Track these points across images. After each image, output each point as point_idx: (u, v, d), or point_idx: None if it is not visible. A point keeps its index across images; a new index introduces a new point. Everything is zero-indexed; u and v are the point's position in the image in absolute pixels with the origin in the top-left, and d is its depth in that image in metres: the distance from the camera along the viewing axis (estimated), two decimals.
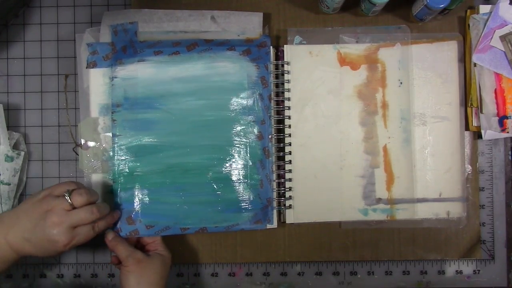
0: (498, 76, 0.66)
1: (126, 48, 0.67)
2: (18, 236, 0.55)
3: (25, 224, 0.56)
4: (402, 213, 0.68)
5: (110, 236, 0.63)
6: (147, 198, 0.66)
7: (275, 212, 0.67)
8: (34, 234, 0.55)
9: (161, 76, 0.66)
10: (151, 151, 0.66)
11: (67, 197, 0.56)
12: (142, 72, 0.66)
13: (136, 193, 0.66)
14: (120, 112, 0.66)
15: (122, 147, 0.66)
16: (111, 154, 0.66)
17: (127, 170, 0.66)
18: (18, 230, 0.55)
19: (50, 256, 0.59)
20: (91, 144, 0.67)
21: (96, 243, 0.70)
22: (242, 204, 0.66)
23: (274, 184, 0.67)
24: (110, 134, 0.66)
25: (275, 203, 0.67)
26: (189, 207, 0.66)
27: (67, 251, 0.58)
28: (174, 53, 0.67)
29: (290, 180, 0.68)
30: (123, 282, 0.60)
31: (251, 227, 0.67)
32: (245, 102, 0.66)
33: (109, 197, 0.66)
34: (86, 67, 0.67)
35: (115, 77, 0.66)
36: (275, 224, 0.67)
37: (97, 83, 0.67)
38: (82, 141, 0.67)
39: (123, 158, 0.66)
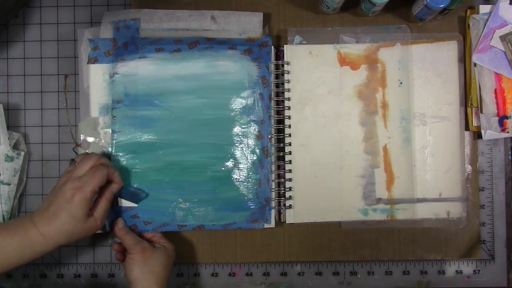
0: (498, 76, 0.66)
1: (128, 45, 0.67)
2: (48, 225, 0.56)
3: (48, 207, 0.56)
4: (402, 213, 0.68)
5: (120, 225, 0.64)
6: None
7: (273, 212, 0.67)
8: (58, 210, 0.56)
9: (162, 73, 0.67)
10: (150, 148, 0.66)
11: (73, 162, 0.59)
12: (143, 69, 0.66)
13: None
14: (120, 109, 0.66)
15: (121, 143, 0.66)
16: (110, 150, 0.66)
17: (126, 166, 0.66)
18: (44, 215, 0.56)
19: (82, 237, 0.59)
20: (91, 143, 0.67)
21: (96, 243, 0.70)
22: (240, 203, 0.66)
23: (274, 184, 0.67)
24: (110, 131, 0.66)
25: (274, 203, 0.67)
26: (187, 205, 0.66)
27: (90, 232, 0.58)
28: (176, 50, 0.67)
29: (290, 180, 0.68)
30: (127, 270, 0.61)
31: (248, 226, 0.67)
32: (245, 101, 0.67)
33: None
34: (88, 63, 0.67)
35: (116, 73, 0.66)
36: (272, 224, 0.67)
37: (97, 80, 0.67)
38: (82, 141, 0.67)
39: (122, 154, 0.66)
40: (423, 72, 0.68)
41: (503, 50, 0.65)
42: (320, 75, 0.68)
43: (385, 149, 0.68)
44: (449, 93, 0.69)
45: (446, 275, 0.70)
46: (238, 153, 0.67)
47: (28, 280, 0.70)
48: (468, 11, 0.69)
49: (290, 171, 0.68)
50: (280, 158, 0.68)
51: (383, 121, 0.68)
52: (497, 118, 0.66)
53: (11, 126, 0.70)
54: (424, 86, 0.68)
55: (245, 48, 0.67)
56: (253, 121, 0.66)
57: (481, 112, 0.66)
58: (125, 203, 0.66)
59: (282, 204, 0.67)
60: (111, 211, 0.66)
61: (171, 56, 0.67)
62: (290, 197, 0.68)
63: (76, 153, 0.68)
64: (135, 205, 0.66)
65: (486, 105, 0.66)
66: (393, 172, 0.68)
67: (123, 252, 0.64)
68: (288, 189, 0.68)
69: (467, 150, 0.69)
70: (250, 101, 0.67)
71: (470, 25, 0.68)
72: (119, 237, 0.64)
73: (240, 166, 0.67)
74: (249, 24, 0.68)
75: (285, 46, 0.68)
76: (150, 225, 0.66)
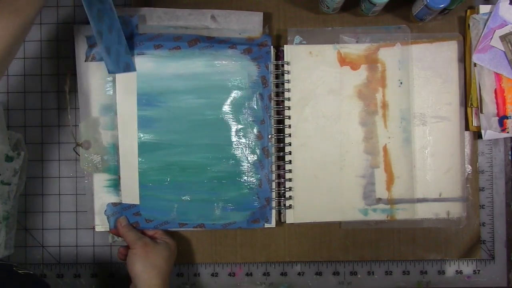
0: (498, 76, 0.66)
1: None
2: None
3: None
4: (402, 213, 0.68)
5: (123, 223, 0.66)
6: (146, 194, 0.66)
7: (273, 212, 0.67)
8: None
9: (161, 71, 0.66)
10: (150, 148, 0.66)
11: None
12: (141, 66, 0.66)
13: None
14: None
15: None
16: (111, 150, 0.66)
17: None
18: None
19: None
20: (92, 143, 0.67)
21: (96, 243, 0.70)
22: (240, 203, 0.66)
23: (274, 184, 0.67)
24: (111, 132, 0.66)
25: (274, 203, 0.67)
26: (187, 204, 0.67)
27: None
28: (175, 48, 0.66)
29: (290, 180, 0.68)
30: (130, 265, 0.62)
31: (248, 226, 0.67)
32: (245, 101, 0.66)
33: (110, 192, 0.67)
34: (85, 61, 0.67)
35: None
36: (273, 224, 0.67)
37: (97, 79, 0.67)
38: (83, 141, 0.67)
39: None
40: (423, 72, 0.68)
41: (503, 50, 0.65)
42: (320, 75, 0.68)
43: (385, 149, 0.68)
44: (449, 93, 0.68)
45: (446, 275, 0.70)
46: (238, 153, 0.66)
47: None
48: (468, 11, 0.69)
49: (290, 171, 0.68)
50: (280, 158, 0.68)
51: (383, 121, 0.68)
52: (497, 118, 0.66)
53: (11, 126, 0.70)
54: (424, 86, 0.68)
55: (245, 47, 0.67)
56: (253, 121, 0.66)
57: (481, 112, 0.66)
58: (127, 200, 0.66)
59: (282, 204, 0.67)
60: (115, 209, 0.66)
61: (170, 53, 0.66)
62: (290, 197, 0.68)
63: (77, 153, 0.68)
64: (137, 203, 0.66)
65: (486, 105, 0.66)
66: (393, 172, 0.68)
67: (126, 253, 0.64)
68: (288, 189, 0.68)
69: (467, 150, 0.69)
70: (250, 101, 0.66)
71: (470, 25, 0.68)
72: (121, 234, 0.65)
73: (240, 166, 0.67)
74: (249, 24, 0.68)
75: (285, 46, 0.68)
76: (151, 223, 0.67)
